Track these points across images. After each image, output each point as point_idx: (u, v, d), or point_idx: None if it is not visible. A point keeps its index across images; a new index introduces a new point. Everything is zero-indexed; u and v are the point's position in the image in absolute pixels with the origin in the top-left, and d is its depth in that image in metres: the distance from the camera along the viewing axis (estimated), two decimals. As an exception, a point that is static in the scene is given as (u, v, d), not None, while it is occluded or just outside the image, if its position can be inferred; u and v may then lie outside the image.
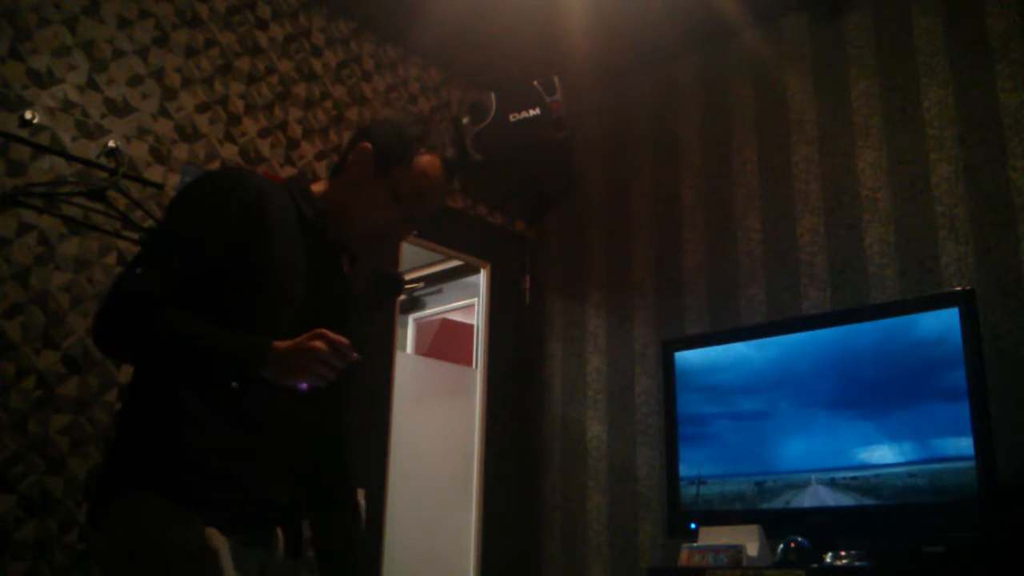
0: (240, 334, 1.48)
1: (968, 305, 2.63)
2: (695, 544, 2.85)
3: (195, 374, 1.50)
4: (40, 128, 2.65)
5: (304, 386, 1.49)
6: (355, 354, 1.49)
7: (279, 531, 1.61)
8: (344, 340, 1.45)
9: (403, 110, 1.64)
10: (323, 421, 1.71)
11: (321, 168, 3.40)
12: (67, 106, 2.74)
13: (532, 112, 3.70)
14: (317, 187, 1.75)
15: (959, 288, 2.74)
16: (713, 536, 2.83)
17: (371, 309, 1.53)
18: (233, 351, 1.46)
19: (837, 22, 3.36)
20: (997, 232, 2.83)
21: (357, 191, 1.70)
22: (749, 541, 2.72)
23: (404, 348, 4.89)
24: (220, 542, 1.45)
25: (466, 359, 4.14)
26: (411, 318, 5.08)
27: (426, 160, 1.71)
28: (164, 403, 1.50)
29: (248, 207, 1.56)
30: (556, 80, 3.70)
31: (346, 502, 1.76)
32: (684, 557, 2.82)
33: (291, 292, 1.60)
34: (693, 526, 2.98)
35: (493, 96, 3.78)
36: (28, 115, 2.61)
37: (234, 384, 1.49)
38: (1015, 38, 2.92)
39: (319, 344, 1.44)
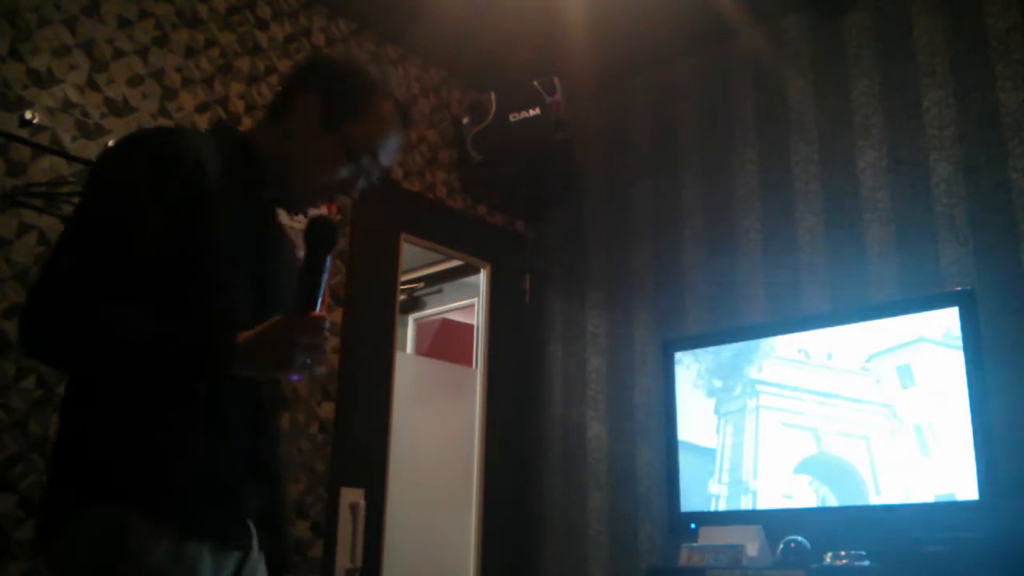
0: (199, 330, 1.33)
1: (968, 305, 2.63)
2: (695, 544, 2.85)
3: (152, 380, 1.33)
4: (40, 128, 2.65)
5: (296, 377, 1.37)
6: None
7: (251, 526, 1.46)
8: (317, 316, 1.33)
9: (349, 53, 1.41)
10: (271, 401, 1.56)
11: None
12: (67, 106, 2.74)
13: (532, 112, 3.70)
14: (249, 135, 1.57)
15: (959, 288, 2.74)
16: (713, 536, 2.83)
17: (312, 265, 1.36)
18: (196, 352, 1.31)
19: (837, 22, 3.36)
20: (997, 232, 2.83)
21: (303, 145, 1.52)
22: (749, 541, 2.72)
23: (404, 348, 4.89)
24: (198, 556, 1.32)
25: (466, 359, 4.14)
26: (411, 318, 5.08)
27: (381, 110, 1.53)
28: (124, 402, 1.33)
29: (187, 169, 1.37)
30: (556, 80, 3.70)
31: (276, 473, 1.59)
32: (684, 557, 2.83)
33: (242, 261, 1.45)
34: (693, 526, 2.98)
35: (493, 96, 3.78)
36: (28, 115, 2.61)
37: (200, 388, 1.34)
38: (1015, 38, 2.92)
39: (294, 332, 1.30)
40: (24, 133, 2.61)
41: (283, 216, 1.61)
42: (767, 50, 3.55)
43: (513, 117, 3.72)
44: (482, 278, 4.07)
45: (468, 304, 4.59)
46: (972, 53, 3.00)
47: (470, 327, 4.33)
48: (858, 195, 3.17)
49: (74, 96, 2.76)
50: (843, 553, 2.52)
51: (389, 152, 1.56)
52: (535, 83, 3.71)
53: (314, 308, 1.34)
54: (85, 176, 1.44)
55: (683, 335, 3.43)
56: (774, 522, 2.79)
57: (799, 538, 2.62)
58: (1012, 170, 2.84)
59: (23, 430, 2.49)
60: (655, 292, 3.66)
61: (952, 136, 2.99)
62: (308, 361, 1.33)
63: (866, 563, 2.48)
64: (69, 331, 1.29)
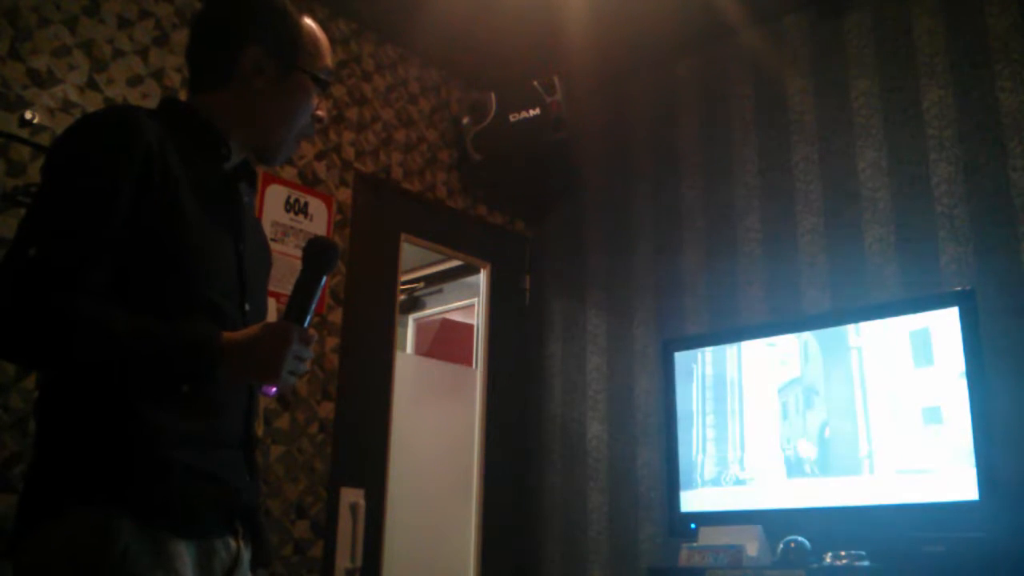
0: (181, 326, 1.26)
1: (968, 305, 2.63)
2: (695, 544, 2.85)
3: (132, 380, 1.25)
4: (40, 128, 2.66)
5: (274, 390, 1.32)
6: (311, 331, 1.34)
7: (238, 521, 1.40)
8: (308, 332, 1.31)
9: None
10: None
11: (321, 168, 3.40)
12: (67, 106, 2.74)
13: (532, 112, 3.70)
14: (198, 107, 1.48)
15: (959, 288, 2.74)
16: (713, 536, 2.83)
17: (308, 282, 1.35)
18: (178, 351, 1.23)
19: (837, 22, 3.36)
20: (997, 232, 2.83)
21: (275, 96, 1.48)
22: (749, 541, 2.72)
23: (404, 348, 4.89)
24: (186, 556, 1.27)
25: (466, 359, 4.14)
26: (411, 318, 5.08)
27: (309, 27, 1.52)
28: (110, 394, 1.26)
29: (150, 150, 1.29)
30: (556, 80, 3.70)
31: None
32: (684, 557, 2.82)
33: (221, 242, 1.40)
34: (693, 526, 2.98)
35: (493, 96, 3.78)
36: (28, 115, 2.61)
37: (184, 388, 1.27)
38: (1015, 38, 2.92)
39: (291, 342, 1.27)
40: (24, 133, 2.61)
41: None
42: (767, 50, 3.55)
43: (513, 117, 3.72)
44: (482, 278, 4.07)
45: (468, 304, 4.59)
46: (972, 53, 3.00)
47: (470, 327, 4.33)
48: (858, 195, 3.17)
49: (74, 96, 2.76)
50: (843, 553, 2.52)
51: (332, 59, 1.57)
52: (535, 83, 3.71)
53: (303, 325, 1.32)
54: (43, 162, 1.37)
55: (683, 335, 3.43)
56: (774, 522, 2.79)
57: (799, 538, 2.62)
58: (1012, 170, 2.84)
59: (23, 430, 2.49)
60: (655, 292, 3.67)
61: (952, 136, 2.99)
62: (292, 376, 1.30)
63: (866, 563, 2.48)
64: (37, 329, 1.18)
